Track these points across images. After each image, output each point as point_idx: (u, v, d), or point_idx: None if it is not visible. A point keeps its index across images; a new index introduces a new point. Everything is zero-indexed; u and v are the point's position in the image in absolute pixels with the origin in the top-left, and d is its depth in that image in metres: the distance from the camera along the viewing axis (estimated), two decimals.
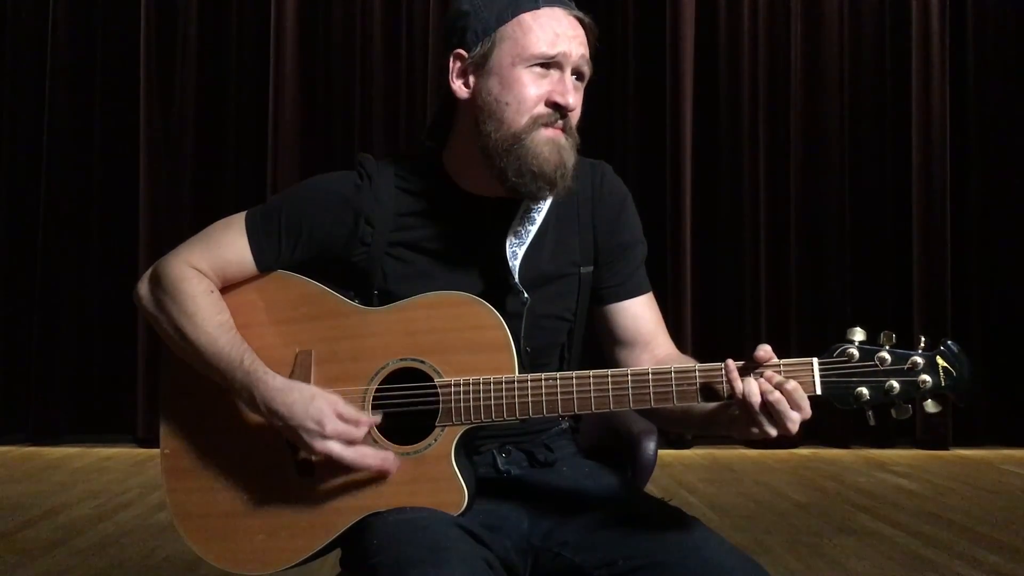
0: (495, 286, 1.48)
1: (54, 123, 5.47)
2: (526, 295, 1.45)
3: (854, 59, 5.61)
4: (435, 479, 1.38)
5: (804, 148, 5.55)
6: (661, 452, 1.71)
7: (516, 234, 1.48)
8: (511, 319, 1.42)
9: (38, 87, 5.49)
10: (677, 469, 4.68)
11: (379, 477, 1.39)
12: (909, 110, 5.48)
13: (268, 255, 1.50)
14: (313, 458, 1.41)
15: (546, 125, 1.42)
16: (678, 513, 1.43)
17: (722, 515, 3.70)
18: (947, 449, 5.29)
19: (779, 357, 1.30)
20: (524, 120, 1.42)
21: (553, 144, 1.42)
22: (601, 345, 1.61)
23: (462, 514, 1.37)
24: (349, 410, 1.39)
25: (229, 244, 1.50)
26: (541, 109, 1.42)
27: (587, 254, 1.55)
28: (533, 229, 1.49)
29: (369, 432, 1.40)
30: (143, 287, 1.53)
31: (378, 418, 1.40)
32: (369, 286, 1.49)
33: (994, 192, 5.57)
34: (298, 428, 1.37)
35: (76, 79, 5.53)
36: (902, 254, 5.50)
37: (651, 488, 1.64)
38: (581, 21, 1.45)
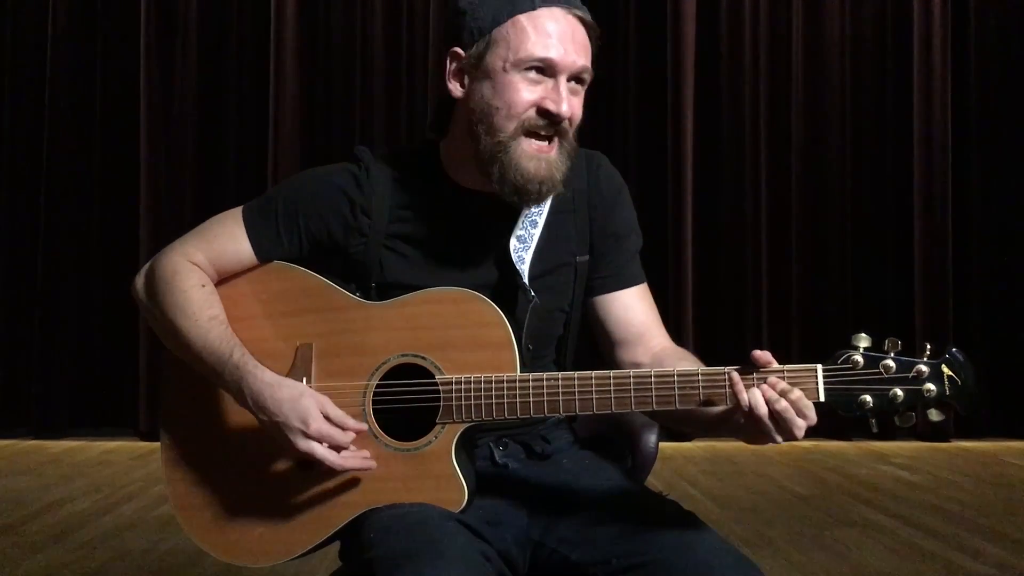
0: (501, 285, 1.47)
1: (54, 122, 5.47)
2: (534, 295, 1.43)
3: (855, 55, 5.60)
4: (435, 477, 1.38)
5: (805, 144, 5.54)
6: (662, 445, 1.70)
7: (520, 239, 1.46)
8: (515, 317, 1.41)
9: (38, 88, 5.48)
10: (678, 462, 4.69)
11: (379, 473, 1.39)
12: (911, 103, 5.46)
13: (266, 244, 1.49)
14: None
15: (533, 134, 1.39)
16: (675, 508, 1.42)
17: (723, 507, 3.71)
18: (948, 441, 5.30)
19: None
20: (512, 125, 1.38)
21: (539, 159, 1.39)
22: (595, 338, 1.59)
23: (462, 511, 1.37)
24: (336, 412, 1.37)
25: (226, 236, 1.50)
26: (530, 115, 1.38)
27: (583, 243, 1.54)
28: (536, 232, 1.47)
29: (369, 428, 1.40)
30: (139, 281, 1.53)
31: (364, 426, 1.39)
32: (367, 279, 1.48)
33: (995, 185, 5.56)
34: (282, 425, 1.36)
35: (76, 79, 5.52)
36: (903, 245, 5.50)
37: (652, 481, 1.63)
38: (582, 21, 1.40)
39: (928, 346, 1.28)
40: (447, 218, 1.49)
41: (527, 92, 1.38)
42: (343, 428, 1.37)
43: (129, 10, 5.44)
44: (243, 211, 1.52)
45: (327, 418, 1.36)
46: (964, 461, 4.84)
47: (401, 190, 1.50)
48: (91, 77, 5.54)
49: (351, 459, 1.37)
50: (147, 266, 1.53)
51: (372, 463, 1.38)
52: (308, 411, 1.36)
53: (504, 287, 1.47)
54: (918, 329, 5.36)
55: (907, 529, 3.40)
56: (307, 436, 1.35)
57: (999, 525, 3.47)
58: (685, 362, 1.46)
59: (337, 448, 1.37)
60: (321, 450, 1.35)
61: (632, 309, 1.55)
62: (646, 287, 1.59)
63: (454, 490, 1.37)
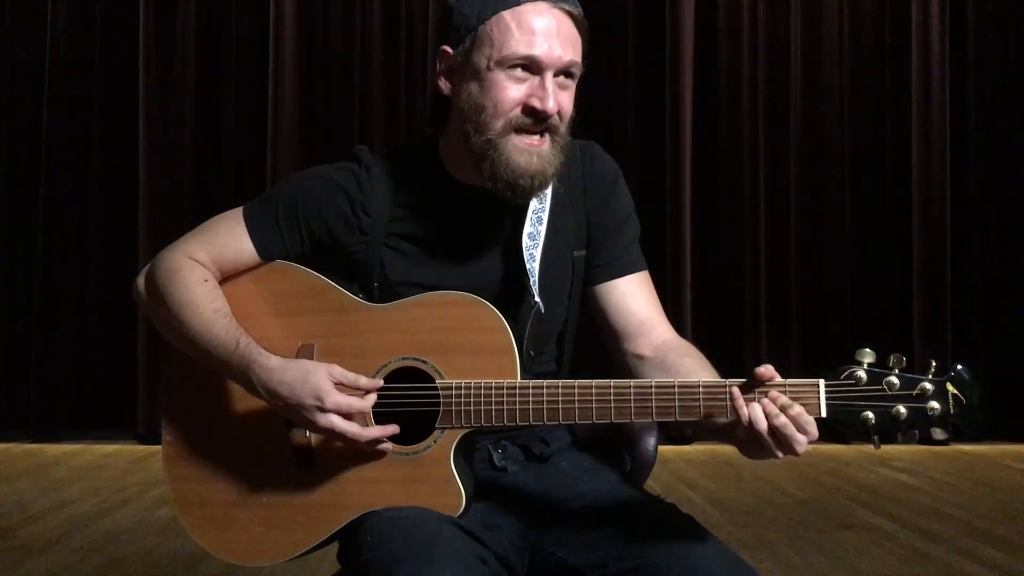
0: (504, 283, 1.47)
1: (53, 121, 5.47)
2: (538, 301, 1.43)
3: (854, 48, 5.62)
4: (433, 481, 1.38)
5: (804, 138, 5.56)
6: (661, 448, 1.70)
7: (530, 236, 1.46)
8: (517, 319, 1.41)
9: (37, 86, 5.49)
10: (677, 465, 4.68)
11: (377, 475, 1.39)
12: (909, 98, 5.49)
13: (268, 243, 1.49)
14: (313, 441, 1.40)
15: (521, 131, 1.38)
16: (673, 511, 1.42)
17: (722, 511, 3.70)
18: (947, 445, 5.29)
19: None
20: (499, 124, 1.38)
21: (529, 153, 1.39)
22: (598, 330, 1.57)
23: (459, 517, 1.37)
24: (347, 374, 1.37)
25: (228, 235, 1.50)
26: (516, 114, 1.38)
27: (580, 237, 1.53)
28: (543, 229, 1.46)
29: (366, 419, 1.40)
30: (140, 280, 1.53)
31: (379, 382, 1.39)
32: (369, 277, 1.48)
33: (994, 184, 5.57)
34: (297, 407, 1.36)
35: (75, 77, 5.52)
36: (903, 242, 5.51)
37: (651, 484, 1.63)
38: (569, 14, 1.39)
39: (933, 363, 1.27)
40: (449, 215, 1.49)
41: (513, 90, 1.38)
42: (355, 386, 1.37)
43: (127, 10, 5.45)
44: (244, 210, 1.52)
45: (338, 383, 1.36)
46: (963, 465, 4.83)
47: (402, 188, 1.50)
48: (89, 75, 5.54)
49: (373, 429, 1.37)
50: (148, 265, 1.53)
51: (394, 428, 1.38)
52: (319, 386, 1.35)
53: (508, 285, 1.47)
54: (916, 330, 5.36)
55: (906, 532, 3.40)
56: (324, 411, 1.35)
57: (998, 529, 3.47)
58: (688, 359, 1.45)
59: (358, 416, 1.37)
60: (341, 423, 1.35)
61: (631, 297, 1.53)
62: (646, 275, 1.57)
63: (452, 495, 1.37)
